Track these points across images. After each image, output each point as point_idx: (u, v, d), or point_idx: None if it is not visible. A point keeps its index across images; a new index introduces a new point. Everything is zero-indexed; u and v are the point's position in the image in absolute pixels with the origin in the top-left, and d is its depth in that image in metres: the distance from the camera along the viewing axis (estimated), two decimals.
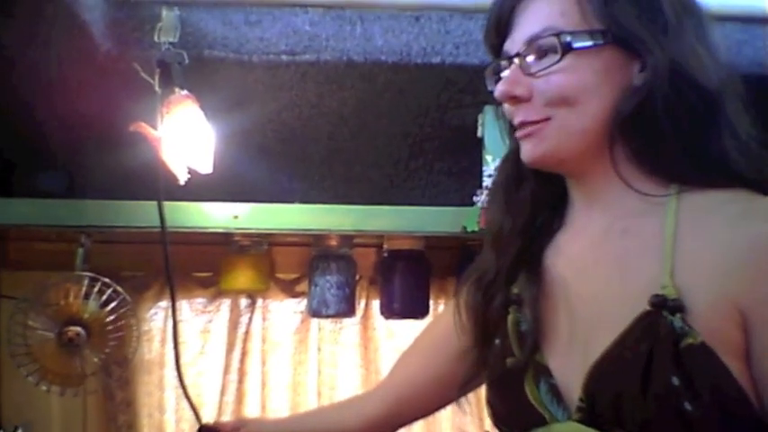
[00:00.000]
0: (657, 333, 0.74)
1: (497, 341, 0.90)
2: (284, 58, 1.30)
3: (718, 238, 0.76)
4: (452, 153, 1.47)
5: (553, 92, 0.81)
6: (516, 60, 0.82)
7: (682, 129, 0.79)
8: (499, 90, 0.83)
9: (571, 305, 0.85)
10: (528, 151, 0.84)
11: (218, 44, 1.29)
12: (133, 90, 1.23)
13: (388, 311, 1.58)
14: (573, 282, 0.86)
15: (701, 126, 0.79)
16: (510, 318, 0.89)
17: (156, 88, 1.19)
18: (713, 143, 0.79)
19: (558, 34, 0.80)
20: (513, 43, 0.83)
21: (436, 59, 1.31)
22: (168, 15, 1.25)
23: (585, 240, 0.86)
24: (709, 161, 0.80)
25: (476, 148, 1.38)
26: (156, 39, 1.24)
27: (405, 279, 1.54)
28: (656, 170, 0.81)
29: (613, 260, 0.82)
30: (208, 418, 1.60)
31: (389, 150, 1.48)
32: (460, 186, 1.42)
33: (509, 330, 0.88)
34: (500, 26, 0.86)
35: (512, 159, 0.89)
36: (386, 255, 1.57)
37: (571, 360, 0.82)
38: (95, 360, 1.40)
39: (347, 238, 1.52)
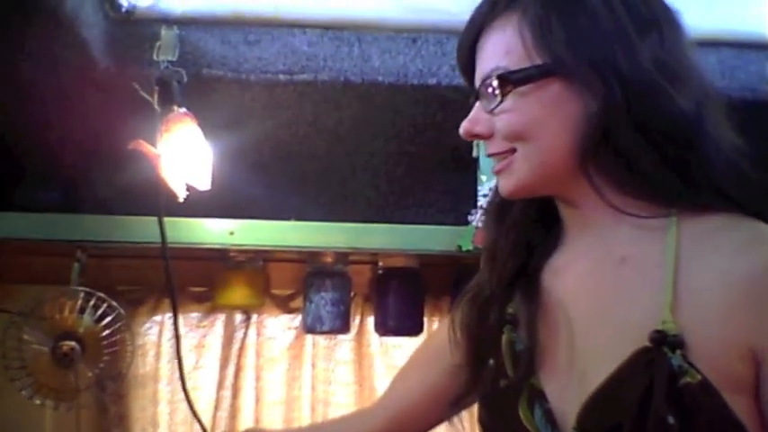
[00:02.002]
0: (654, 370, 0.72)
1: (491, 361, 0.89)
2: (282, 77, 1.31)
3: (720, 269, 0.74)
4: (448, 172, 1.48)
5: (505, 130, 0.82)
6: (478, 99, 0.84)
7: (658, 151, 0.77)
8: (462, 128, 0.85)
9: (569, 330, 0.84)
10: (502, 186, 0.86)
11: (216, 63, 1.30)
12: (132, 107, 1.24)
13: (383, 328, 1.59)
14: (571, 307, 0.85)
15: (679, 146, 0.77)
16: (504, 338, 0.88)
17: (155, 106, 1.20)
18: (696, 162, 0.77)
19: (499, 75, 0.80)
20: (477, 81, 0.84)
21: (432, 80, 1.32)
22: (167, 34, 1.26)
23: (584, 265, 0.85)
24: (697, 181, 0.78)
25: (471, 167, 1.39)
26: (155, 57, 1.25)
27: (399, 296, 1.55)
28: (643, 194, 0.80)
29: (613, 289, 0.81)
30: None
31: (385, 169, 1.49)
32: (455, 205, 1.43)
33: (503, 351, 0.87)
34: (464, 65, 0.87)
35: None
36: (381, 272, 1.58)
37: (567, 387, 0.81)
38: (89, 374, 1.40)
39: (342, 255, 1.53)
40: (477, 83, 0.84)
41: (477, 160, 1.37)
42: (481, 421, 0.90)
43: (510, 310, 0.90)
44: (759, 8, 1.34)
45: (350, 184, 1.51)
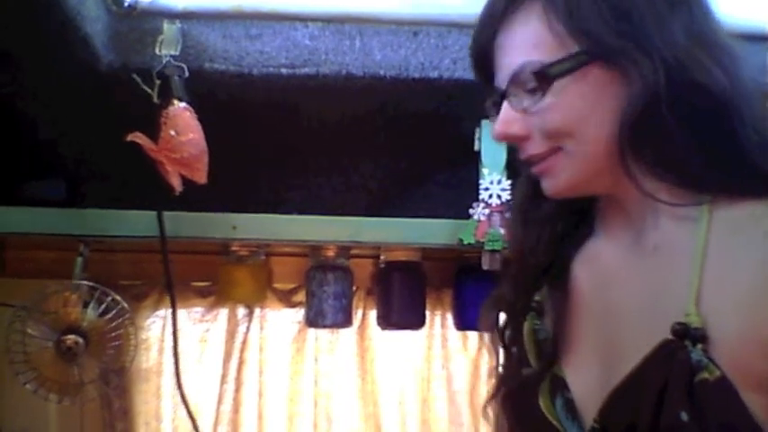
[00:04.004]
0: (673, 364, 0.70)
1: (514, 349, 0.88)
2: (284, 71, 1.31)
3: (749, 259, 0.71)
4: (450, 166, 1.48)
5: (549, 128, 0.77)
6: (506, 99, 0.79)
7: (693, 133, 0.74)
8: (496, 132, 0.81)
9: (595, 319, 0.82)
10: (549, 187, 0.81)
11: (218, 57, 1.30)
12: (133, 101, 1.24)
13: (385, 322, 1.59)
14: (600, 295, 0.83)
15: (714, 128, 0.74)
16: (526, 326, 0.87)
17: (156, 99, 1.21)
18: (733, 144, 0.74)
19: (536, 71, 0.76)
20: (500, 79, 0.80)
21: (434, 74, 1.32)
22: (170, 28, 1.27)
23: (615, 254, 0.83)
24: (734, 164, 0.74)
25: (473, 161, 1.39)
26: (157, 51, 1.25)
27: (401, 290, 1.55)
28: (679, 180, 0.76)
29: (643, 278, 0.79)
30: (205, 427, 1.61)
31: (387, 163, 1.49)
32: (457, 199, 1.43)
33: (525, 339, 0.86)
34: (481, 64, 0.83)
35: (527, 182, 0.87)
36: (383, 266, 1.58)
37: (590, 377, 0.80)
38: (93, 368, 1.41)
39: (344, 249, 1.53)
40: (503, 82, 0.79)
41: (479, 154, 1.38)
42: (504, 409, 0.89)
43: (537, 298, 0.88)
44: (759, 0, 1.34)
45: (352, 177, 1.51)
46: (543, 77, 0.75)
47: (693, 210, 0.76)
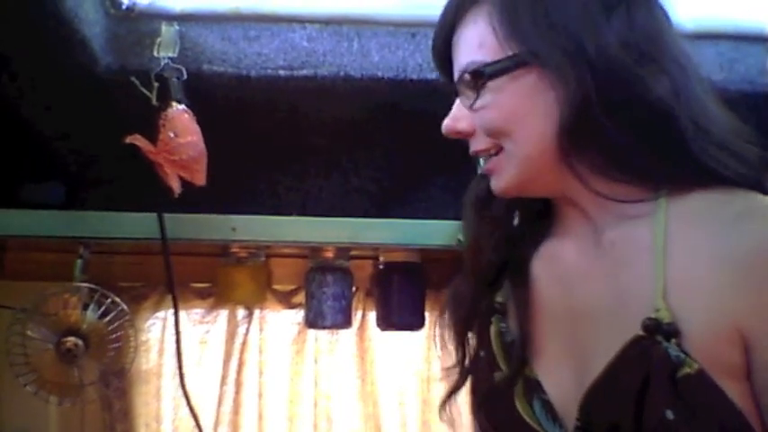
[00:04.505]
0: (652, 361, 0.70)
1: (482, 353, 0.88)
2: (282, 73, 1.31)
3: (708, 249, 0.71)
4: (448, 168, 1.48)
5: (486, 126, 0.80)
6: (458, 96, 0.82)
7: (634, 134, 0.74)
8: (444, 126, 0.84)
9: (562, 319, 0.83)
10: (495, 186, 0.84)
11: (216, 59, 1.30)
12: (132, 103, 1.24)
13: (385, 323, 1.59)
14: (563, 295, 0.83)
15: (654, 129, 0.75)
16: (492, 329, 0.87)
17: (154, 102, 1.21)
18: (675, 143, 0.75)
19: (473, 71, 0.78)
20: (456, 77, 0.83)
21: (432, 75, 1.32)
22: (168, 30, 1.27)
23: (575, 252, 0.84)
24: (678, 160, 0.75)
25: (471, 162, 1.39)
26: (155, 54, 1.26)
27: (400, 291, 1.55)
28: (628, 179, 0.78)
29: (606, 276, 0.79)
30: (205, 428, 1.61)
31: (386, 164, 1.49)
32: (456, 200, 1.42)
33: (492, 342, 0.86)
34: (441, 61, 0.86)
35: (480, 180, 0.89)
36: (382, 267, 1.58)
37: (564, 378, 0.80)
38: (93, 370, 1.41)
39: (344, 251, 1.54)
40: (456, 79, 0.82)
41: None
42: (478, 417, 0.89)
43: (499, 299, 0.89)
44: (757, 0, 1.34)
45: (351, 179, 1.51)
46: (479, 77, 0.78)
47: (649, 204, 0.77)
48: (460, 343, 0.92)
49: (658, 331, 0.71)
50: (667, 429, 0.68)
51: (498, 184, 0.83)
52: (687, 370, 0.69)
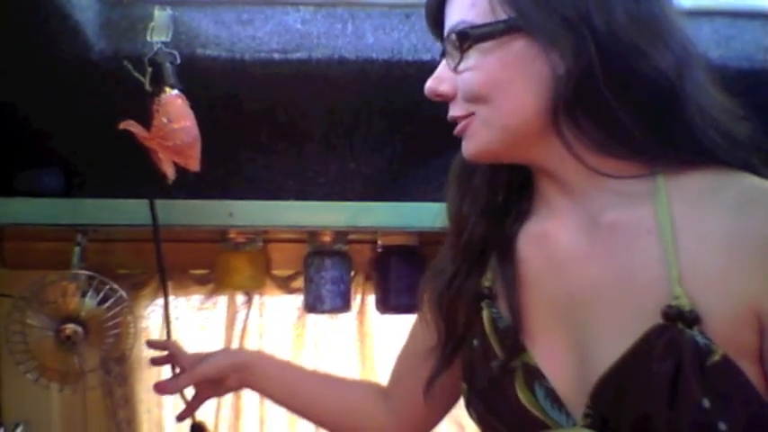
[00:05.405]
0: (681, 351, 0.68)
1: (475, 342, 0.85)
2: (276, 56, 1.31)
3: (719, 233, 0.71)
4: (445, 149, 1.48)
5: (466, 90, 0.78)
6: (444, 56, 0.79)
7: (634, 109, 0.73)
8: (426, 87, 0.81)
9: (558, 303, 0.80)
10: (464, 149, 0.82)
11: (210, 43, 1.30)
12: (126, 89, 1.24)
13: (384, 306, 1.59)
14: (557, 277, 0.81)
15: (656, 106, 0.73)
16: (485, 314, 0.84)
17: (148, 87, 1.20)
18: (676, 121, 0.74)
19: (459, 31, 0.76)
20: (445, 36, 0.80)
21: (427, 56, 1.32)
22: (160, 15, 1.26)
23: (570, 232, 0.81)
24: (677, 139, 0.74)
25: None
26: (148, 38, 1.25)
27: (399, 274, 1.55)
28: (624, 154, 0.76)
29: (605, 258, 0.77)
30: (205, 412, 1.61)
31: (383, 147, 1.49)
32: None
33: (486, 329, 0.83)
34: (434, 20, 0.83)
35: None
36: (380, 250, 1.58)
37: (564, 363, 0.78)
38: (93, 357, 1.41)
39: (342, 235, 1.53)
40: (445, 37, 0.80)
41: None
42: (475, 410, 0.86)
43: (486, 284, 0.86)
44: None
45: (348, 162, 1.51)
46: (466, 39, 0.76)
47: (645, 183, 0.76)
48: (443, 322, 0.90)
49: (680, 319, 0.70)
50: (704, 418, 0.67)
51: (468, 146, 0.81)
52: (716, 358, 0.68)
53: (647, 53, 0.73)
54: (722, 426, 0.67)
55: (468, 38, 0.76)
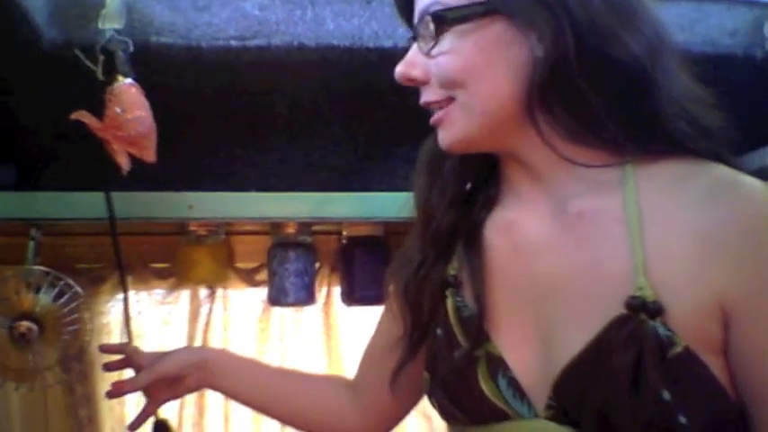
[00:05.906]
0: (642, 341, 0.68)
1: (439, 331, 0.83)
2: (234, 43, 1.27)
3: (686, 223, 0.70)
4: (410, 138, 1.45)
5: (441, 74, 0.75)
6: (416, 40, 0.77)
7: (607, 96, 0.72)
8: (396, 72, 0.79)
9: (522, 291, 0.79)
10: (441, 139, 0.80)
11: (165, 30, 1.26)
12: (78, 79, 1.20)
13: (349, 298, 1.57)
14: (523, 265, 0.80)
15: (628, 92, 0.72)
16: (449, 303, 0.83)
17: (100, 76, 1.17)
18: (647, 109, 0.73)
19: (434, 13, 0.74)
20: (416, 18, 0.78)
21: (388, 43, 1.29)
22: (113, 1, 1.21)
23: (537, 221, 0.80)
24: (648, 128, 0.73)
25: (433, 132, 1.36)
26: (100, 25, 1.21)
27: (364, 265, 1.53)
28: (594, 143, 0.75)
29: (573, 247, 0.76)
30: (168, 410, 1.58)
31: (346, 136, 1.46)
32: None
33: (450, 318, 0.82)
34: (402, 2, 0.82)
35: (434, 136, 0.84)
36: (345, 242, 1.56)
37: (528, 353, 0.77)
38: (50, 354, 1.37)
39: (306, 226, 1.51)
40: (416, 21, 0.77)
41: None
42: (437, 400, 0.84)
43: (451, 272, 0.84)
44: None
45: (311, 152, 1.48)
46: (441, 21, 0.74)
47: (614, 172, 0.75)
48: (409, 310, 0.88)
49: (643, 310, 0.69)
50: (665, 410, 0.66)
51: (446, 137, 0.79)
52: (678, 350, 0.67)
53: (622, 38, 0.72)
54: (682, 419, 0.66)
55: (443, 20, 0.74)
